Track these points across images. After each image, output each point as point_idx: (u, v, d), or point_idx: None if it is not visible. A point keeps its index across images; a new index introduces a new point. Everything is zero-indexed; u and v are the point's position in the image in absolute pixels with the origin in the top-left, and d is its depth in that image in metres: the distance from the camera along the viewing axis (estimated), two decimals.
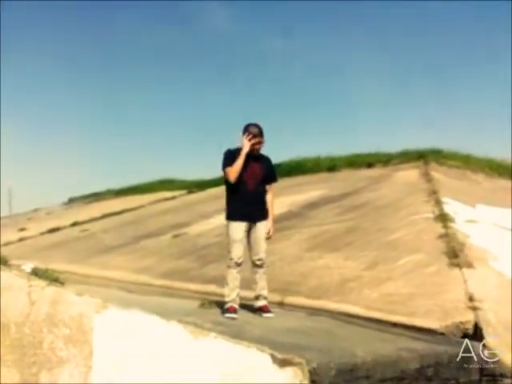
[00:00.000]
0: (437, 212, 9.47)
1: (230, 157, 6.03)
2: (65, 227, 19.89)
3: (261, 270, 6.07)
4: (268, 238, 6.17)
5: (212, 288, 8.02)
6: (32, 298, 3.45)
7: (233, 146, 6.19)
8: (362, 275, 7.32)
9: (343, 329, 5.67)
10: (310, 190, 15.57)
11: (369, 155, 19.43)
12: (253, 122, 6.18)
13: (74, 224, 20.07)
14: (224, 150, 6.17)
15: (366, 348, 4.42)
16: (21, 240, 18.36)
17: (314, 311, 6.53)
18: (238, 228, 5.92)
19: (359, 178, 16.00)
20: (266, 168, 6.20)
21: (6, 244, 17.08)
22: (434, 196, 10.86)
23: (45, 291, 3.50)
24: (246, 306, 6.20)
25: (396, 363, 4.25)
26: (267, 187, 6.24)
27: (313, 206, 13.20)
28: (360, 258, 8.00)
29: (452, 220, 8.87)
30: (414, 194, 11.66)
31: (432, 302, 6.09)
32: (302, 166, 20.04)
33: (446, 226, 8.52)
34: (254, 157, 6.07)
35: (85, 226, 19.08)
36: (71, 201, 34.76)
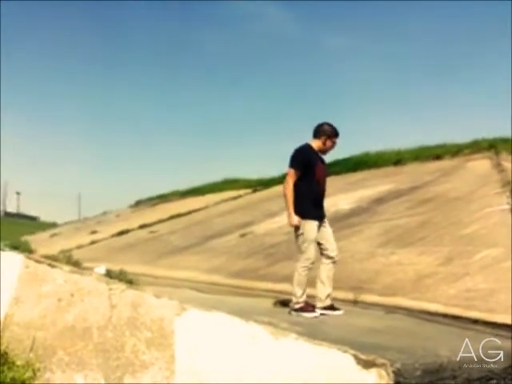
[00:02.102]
0: None
1: (305, 158, 5.94)
2: (133, 229, 20.26)
3: (334, 267, 5.96)
4: None
5: (283, 286, 7.96)
6: (113, 301, 3.47)
7: (297, 143, 6.13)
8: (437, 271, 7.12)
9: (423, 327, 5.50)
10: (378, 184, 15.33)
11: (436, 147, 18.98)
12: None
13: (142, 226, 20.42)
14: (302, 145, 6.08)
15: (450, 347, 4.26)
16: (93, 243, 18.82)
17: (390, 309, 6.38)
18: (315, 227, 5.82)
19: (428, 171, 15.64)
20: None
21: (79, 247, 17.57)
22: (509, 187, 10.49)
23: (125, 294, 3.51)
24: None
25: (483, 362, 4.06)
26: None
27: (381, 200, 12.98)
28: (434, 254, 7.79)
29: None
30: (487, 186, 11.31)
31: None
32: (367, 161, 19.74)
33: None
34: (321, 157, 6.09)
35: (153, 228, 19.39)
36: (138, 203, 35.39)
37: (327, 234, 5.96)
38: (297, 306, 5.81)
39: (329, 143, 6.04)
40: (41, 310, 3.60)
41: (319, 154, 6.06)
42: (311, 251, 5.78)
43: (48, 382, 3.25)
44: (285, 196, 5.88)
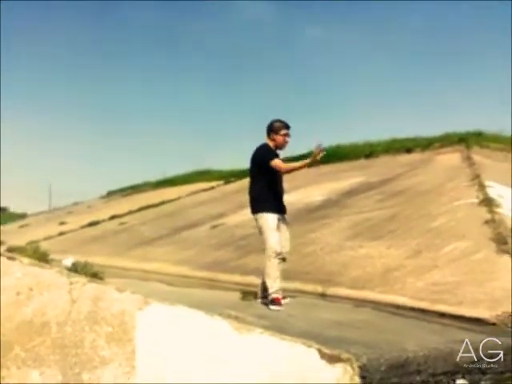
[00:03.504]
0: (481, 197, 9.17)
1: (274, 151, 6.10)
2: (104, 220, 20.02)
3: (284, 264, 5.98)
4: None
5: (252, 279, 7.91)
6: (73, 295, 3.38)
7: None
8: (405, 264, 7.12)
9: (389, 320, 5.50)
10: (349, 176, 15.34)
11: (408, 140, 19.07)
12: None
13: (113, 217, 20.20)
14: (263, 143, 6.19)
15: (416, 341, 4.26)
16: (61, 234, 18.55)
17: (358, 302, 6.37)
18: (275, 219, 5.94)
19: (399, 164, 15.71)
20: None
21: (48, 238, 17.30)
22: (478, 180, 10.54)
23: (86, 288, 3.43)
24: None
25: (448, 356, 4.06)
26: None
27: (352, 193, 12.99)
28: (403, 246, 7.80)
29: (498, 205, 8.56)
30: (457, 179, 11.36)
31: (481, 290, 5.87)
32: (339, 153, 19.73)
33: (491, 211, 8.21)
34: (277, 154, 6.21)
35: (123, 219, 19.19)
36: (110, 194, 35.03)
37: (284, 230, 6.06)
38: (275, 296, 5.78)
39: (279, 138, 6.13)
40: None
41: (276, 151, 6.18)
42: (274, 240, 5.82)
43: (3, 380, 3.15)
44: (291, 170, 6.07)
